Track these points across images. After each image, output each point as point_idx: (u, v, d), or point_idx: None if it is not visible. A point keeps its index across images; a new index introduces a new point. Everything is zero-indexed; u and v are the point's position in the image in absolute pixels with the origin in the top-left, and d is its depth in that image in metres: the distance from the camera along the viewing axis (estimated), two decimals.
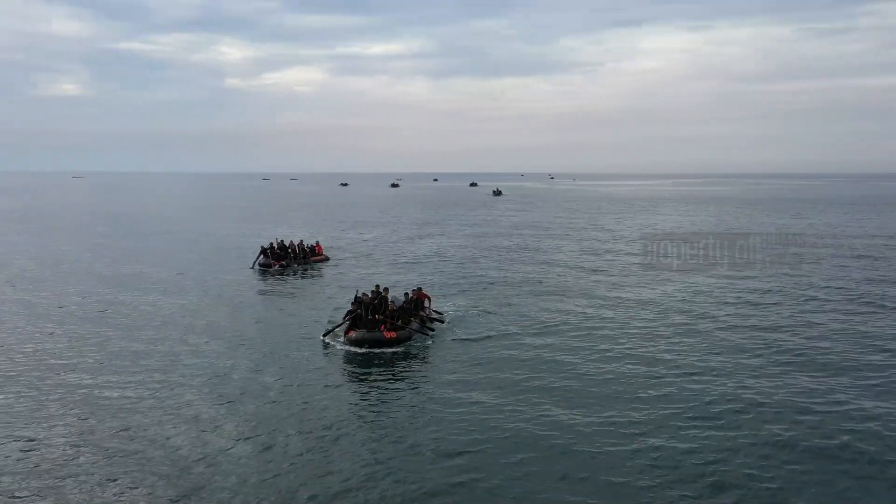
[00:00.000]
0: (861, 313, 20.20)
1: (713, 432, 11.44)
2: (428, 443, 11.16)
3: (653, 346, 16.72)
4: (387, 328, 16.72)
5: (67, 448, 10.94)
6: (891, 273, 27.91)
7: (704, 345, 16.80)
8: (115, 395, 13.42)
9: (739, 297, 22.72)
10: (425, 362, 15.73)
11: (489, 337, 17.69)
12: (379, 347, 16.32)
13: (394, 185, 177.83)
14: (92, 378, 14.40)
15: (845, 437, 11.20)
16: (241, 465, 10.38)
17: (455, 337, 17.74)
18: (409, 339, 16.94)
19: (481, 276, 28.05)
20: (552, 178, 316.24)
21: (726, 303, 21.92)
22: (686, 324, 19.04)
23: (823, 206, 79.49)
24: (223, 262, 32.44)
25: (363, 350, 16.25)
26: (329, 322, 18.76)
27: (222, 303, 22.66)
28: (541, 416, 12.22)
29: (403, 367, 15.32)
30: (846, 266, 29.84)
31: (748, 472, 10.04)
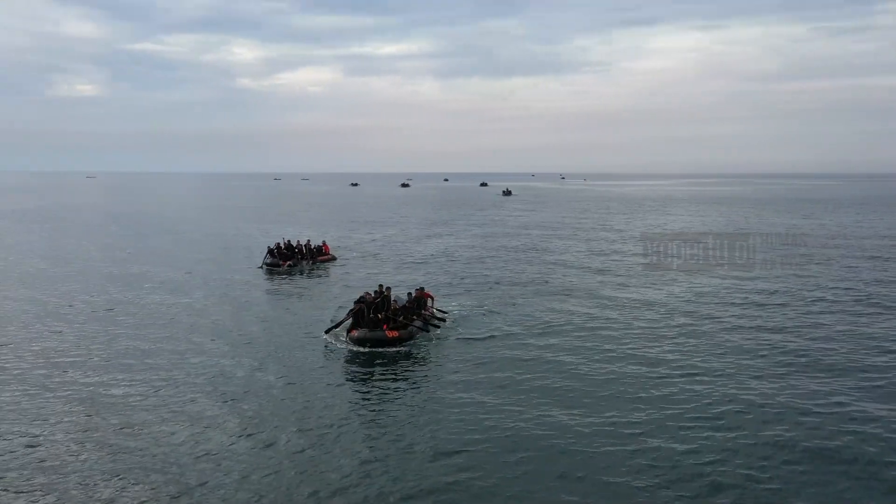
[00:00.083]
0: (868, 314, 20.05)
1: (713, 433, 11.42)
2: (428, 441, 11.23)
3: (656, 346, 16.68)
4: (389, 327, 16.80)
5: (72, 444, 11.10)
6: None
7: (708, 346, 16.75)
8: (120, 392, 13.59)
9: (746, 298, 22.61)
10: (427, 361, 15.79)
11: (492, 337, 17.73)
12: (381, 346, 16.40)
13: (404, 185, 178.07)
14: (98, 376, 14.58)
15: (846, 439, 11.15)
16: (243, 461, 10.50)
17: (458, 336, 17.78)
18: (411, 338, 17.01)
19: (487, 275, 28.08)
20: (563, 178, 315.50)
21: (732, 303, 21.82)
22: (690, 324, 18.98)
23: (835, 207, 78.79)
24: (231, 262, 32.68)
25: (365, 349, 16.34)
26: (331, 321, 18.87)
27: (228, 302, 22.84)
28: (541, 416, 12.24)
29: (405, 367, 15.39)
30: (855, 267, 29.59)
31: (747, 473, 10.02)
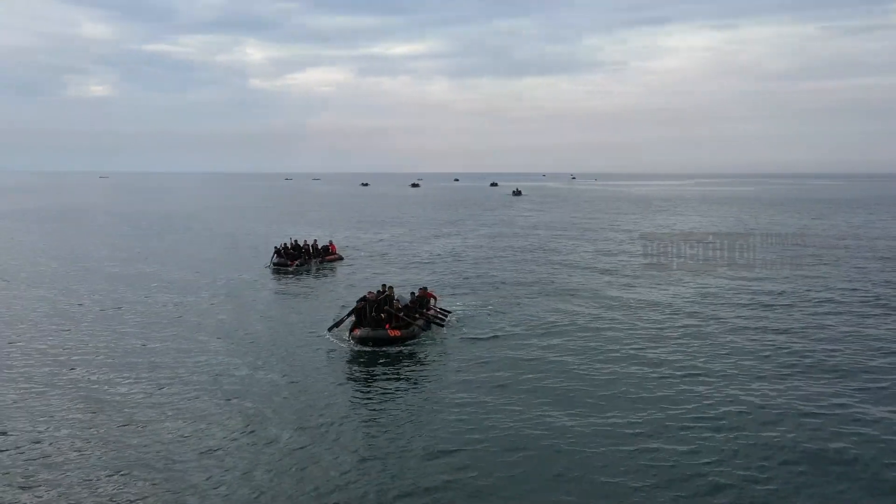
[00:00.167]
0: (874, 316, 19.88)
1: (714, 434, 11.39)
2: (428, 440, 11.28)
3: (660, 347, 16.64)
4: (391, 326, 16.87)
5: (77, 441, 11.25)
6: None
7: (712, 347, 16.68)
8: (125, 390, 13.75)
9: (752, 299, 22.49)
10: (429, 361, 15.85)
11: (495, 337, 17.76)
12: (383, 346, 16.47)
13: (414, 186, 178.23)
14: (103, 374, 14.76)
15: (848, 441, 11.08)
16: (245, 458, 10.61)
17: (461, 336, 17.83)
18: (413, 337, 17.09)
19: (493, 275, 28.10)
20: (574, 178, 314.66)
21: (738, 304, 21.72)
22: (695, 325, 18.91)
23: (846, 207, 78.06)
24: (239, 261, 32.91)
25: (368, 348, 16.42)
26: (333, 319, 18.97)
27: (234, 301, 23.01)
28: (542, 416, 12.26)
29: (407, 366, 15.45)
30: (864, 268, 29.35)
31: (748, 474, 9.99)
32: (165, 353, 16.33)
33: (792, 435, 11.32)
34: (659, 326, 18.86)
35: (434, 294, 19.55)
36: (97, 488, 9.67)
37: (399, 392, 13.77)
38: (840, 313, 20.28)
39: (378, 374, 14.83)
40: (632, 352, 16.26)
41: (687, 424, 11.82)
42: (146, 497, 9.43)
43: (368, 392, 13.81)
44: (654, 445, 10.96)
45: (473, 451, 10.87)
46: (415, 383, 14.32)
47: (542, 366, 15.18)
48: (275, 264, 30.27)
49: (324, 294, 24.72)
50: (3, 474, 10.06)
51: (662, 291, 24.18)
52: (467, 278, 27.41)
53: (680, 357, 15.77)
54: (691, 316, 20.09)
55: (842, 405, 12.66)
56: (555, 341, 17.25)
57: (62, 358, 15.99)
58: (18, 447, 10.98)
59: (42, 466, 10.33)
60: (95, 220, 62.44)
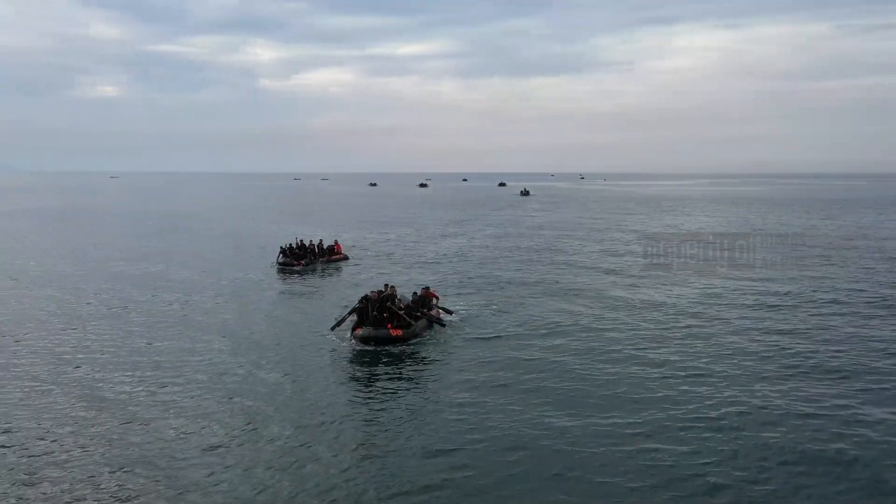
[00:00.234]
0: (881, 317, 19.75)
1: (714, 435, 11.36)
2: (429, 439, 11.32)
3: (663, 348, 16.61)
4: (393, 326, 16.94)
5: (80, 438, 11.36)
6: None
7: (715, 348, 16.63)
8: (129, 388, 13.88)
9: (758, 300, 22.40)
10: (431, 360, 15.90)
11: (498, 336, 17.79)
12: (385, 345, 16.54)
13: (422, 186, 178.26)
14: (107, 372, 14.90)
15: (849, 443, 11.03)
16: (246, 455, 10.70)
17: (463, 335, 17.87)
18: (415, 336, 17.15)
19: (498, 275, 28.12)
20: (582, 178, 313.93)
21: (743, 305, 21.65)
22: (699, 326, 18.86)
23: (857, 207, 77.45)
24: (245, 261, 33.08)
25: (370, 347, 16.50)
26: (335, 318, 19.05)
27: (239, 301, 23.15)
28: (542, 416, 12.27)
29: (409, 365, 15.51)
30: (872, 269, 29.15)
31: (748, 475, 9.97)
32: (169, 352, 16.47)
33: (793, 436, 11.29)
34: (662, 327, 18.83)
35: (436, 294, 19.60)
36: (100, 485, 9.77)
37: (400, 391, 13.84)
38: (845, 314, 20.17)
39: (379, 374, 14.90)
40: (634, 352, 16.25)
41: (687, 425, 11.80)
42: (149, 493, 9.53)
43: (369, 391, 13.88)
44: (655, 446, 10.95)
45: (473, 450, 10.90)
46: (416, 382, 14.38)
47: (543, 366, 15.20)
48: (280, 264, 30.42)
49: (328, 294, 24.83)
50: (8, 471, 10.19)
51: (667, 292, 24.12)
52: (472, 278, 27.45)
53: (682, 358, 15.74)
54: (695, 317, 20.05)
55: (843, 406, 12.61)
56: (557, 341, 17.25)
57: (67, 356, 16.15)
58: (23, 444, 11.11)
59: (46, 463, 10.44)
60: (111, 220, 62.92)
